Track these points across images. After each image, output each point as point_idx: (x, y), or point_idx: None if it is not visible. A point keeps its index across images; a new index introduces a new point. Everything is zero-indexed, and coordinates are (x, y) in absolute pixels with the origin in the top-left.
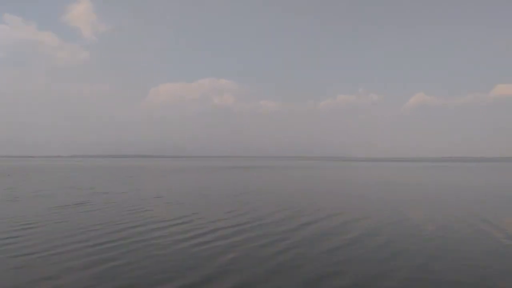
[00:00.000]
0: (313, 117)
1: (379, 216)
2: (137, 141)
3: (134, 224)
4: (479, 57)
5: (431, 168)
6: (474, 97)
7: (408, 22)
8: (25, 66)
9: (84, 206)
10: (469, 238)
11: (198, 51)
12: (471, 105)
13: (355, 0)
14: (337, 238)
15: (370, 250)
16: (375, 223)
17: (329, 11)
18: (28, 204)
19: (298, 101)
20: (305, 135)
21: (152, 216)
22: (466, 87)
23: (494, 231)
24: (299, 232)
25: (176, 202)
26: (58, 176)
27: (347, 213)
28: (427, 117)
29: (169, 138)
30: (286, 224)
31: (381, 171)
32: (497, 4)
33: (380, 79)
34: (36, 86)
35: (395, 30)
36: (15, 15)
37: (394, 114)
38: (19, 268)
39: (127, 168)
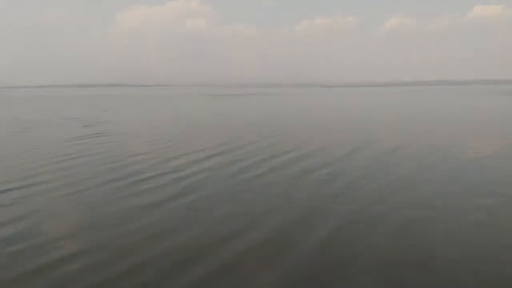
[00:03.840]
0: (291, 42)
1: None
2: (105, 69)
3: (170, 155)
4: None
5: (415, 92)
6: (451, 19)
7: None
8: None
9: (102, 137)
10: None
11: None
12: (448, 27)
13: None
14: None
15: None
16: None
17: None
18: (44, 135)
19: (275, 25)
20: (282, 61)
21: (183, 147)
22: (444, 9)
23: None
24: (345, 160)
25: (193, 131)
26: (42, 106)
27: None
28: (405, 39)
29: (138, 66)
30: (325, 152)
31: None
32: None
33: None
34: None
35: None
36: None
37: (372, 37)
38: (85, 206)
39: (106, 97)
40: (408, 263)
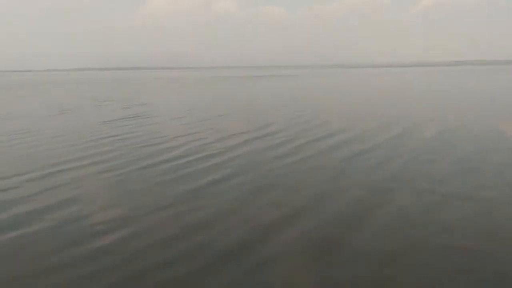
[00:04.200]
0: (320, 23)
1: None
2: (135, 52)
3: (209, 138)
4: None
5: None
6: None
7: None
8: None
9: (139, 119)
10: None
11: None
12: (486, 5)
13: None
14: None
15: None
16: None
17: None
18: (82, 118)
19: (305, 5)
20: (313, 42)
21: (222, 130)
22: None
23: None
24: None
25: (230, 114)
26: (76, 89)
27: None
28: (440, 18)
29: (168, 49)
30: (372, 134)
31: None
32: None
33: None
34: None
35: None
36: None
37: (406, 16)
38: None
39: (137, 80)
40: (484, 252)
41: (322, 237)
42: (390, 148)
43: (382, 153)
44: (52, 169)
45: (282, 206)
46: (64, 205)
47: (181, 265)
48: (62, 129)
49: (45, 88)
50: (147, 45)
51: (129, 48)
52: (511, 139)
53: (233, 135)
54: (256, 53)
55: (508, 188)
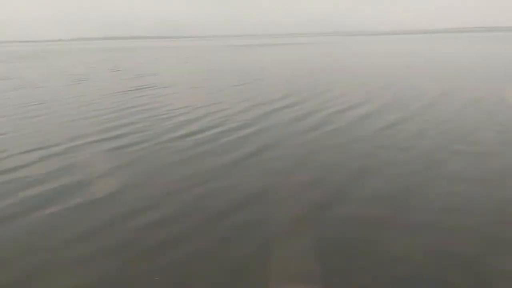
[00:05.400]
0: None
1: None
2: (133, 21)
3: (229, 111)
4: None
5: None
6: None
7: None
8: None
9: (154, 89)
10: None
11: None
12: None
13: None
14: None
15: None
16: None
17: None
18: (97, 88)
19: None
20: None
21: (239, 102)
22: None
23: None
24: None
25: (244, 84)
26: (84, 59)
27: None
28: None
29: (166, 17)
30: (400, 105)
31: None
32: None
33: None
34: None
35: None
36: None
37: None
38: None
39: (141, 49)
40: None
41: (368, 216)
42: (418, 121)
43: (411, 128)
44: (69, 144)
45: (318, 183)
46: (82, 184)
47: (216, 250)
48: (77, 100)
49: (56, 58)
50: (141, 13)
51: (125, 17)
52: None
53: (251, 107)
54: (263, 17)
55: None
